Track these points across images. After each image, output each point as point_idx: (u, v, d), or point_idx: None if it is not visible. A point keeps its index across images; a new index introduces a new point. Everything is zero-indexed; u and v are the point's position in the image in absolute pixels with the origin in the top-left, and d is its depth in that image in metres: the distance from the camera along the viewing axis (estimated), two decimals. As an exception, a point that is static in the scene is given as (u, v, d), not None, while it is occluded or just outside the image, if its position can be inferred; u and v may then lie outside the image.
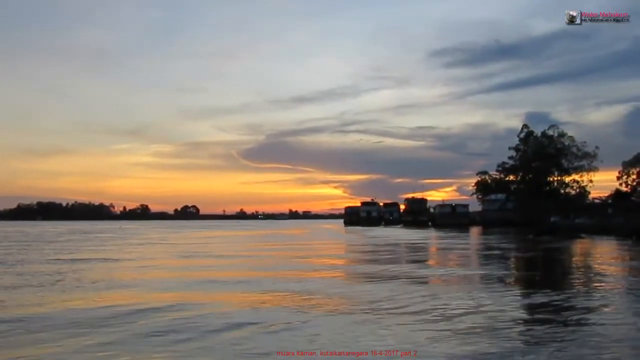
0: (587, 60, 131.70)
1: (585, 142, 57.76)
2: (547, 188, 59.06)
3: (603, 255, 24.87)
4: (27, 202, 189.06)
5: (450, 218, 72.91)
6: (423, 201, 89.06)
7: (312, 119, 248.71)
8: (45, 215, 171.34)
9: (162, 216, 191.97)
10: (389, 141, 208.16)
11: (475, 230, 59.21)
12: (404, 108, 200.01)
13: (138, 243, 36.26)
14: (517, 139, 62.97)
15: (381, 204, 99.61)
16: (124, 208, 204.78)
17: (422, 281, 14.71)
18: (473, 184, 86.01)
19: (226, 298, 11.55)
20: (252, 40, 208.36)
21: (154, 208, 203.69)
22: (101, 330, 8.19)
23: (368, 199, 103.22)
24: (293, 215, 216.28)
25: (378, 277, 15.34)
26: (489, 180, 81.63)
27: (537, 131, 62.00)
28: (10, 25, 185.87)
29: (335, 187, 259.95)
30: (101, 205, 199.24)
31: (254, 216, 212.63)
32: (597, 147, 56.71)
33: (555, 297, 11.55)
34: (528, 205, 58.04)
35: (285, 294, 11.93)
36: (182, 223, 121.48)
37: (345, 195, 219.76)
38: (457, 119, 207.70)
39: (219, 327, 8.40)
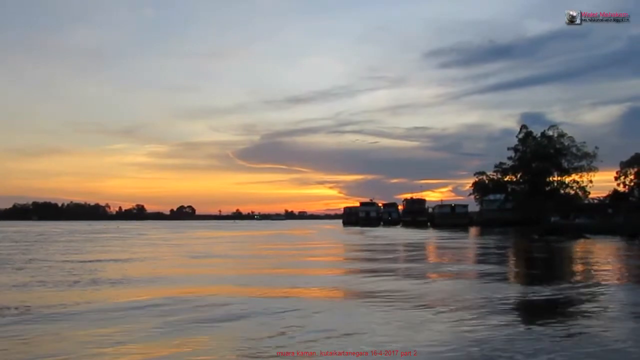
0: (582, 60, 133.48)
1: (584, 142, 58.08)
2: (548, 188, 59.35)
3: (624, 255, 24.89)
4: (22, 202, 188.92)
5: (449, 218, 73.15)
6: (422, 201, 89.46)
7: (308, 119, 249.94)
8: (41, 215, 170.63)
9: (158, 216, 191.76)
10: (385, 141, 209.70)
11: (476, 231, 59.31)
12: (399, 108, 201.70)
13: (143, 243, 36.17)
14: (516, 139, 63.31)
15: (380, 204, 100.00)
16: (120, 208, 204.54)
17: (468, 278, 15.31)
18: (470, 185, 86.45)
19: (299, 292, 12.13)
20: (247, 41, 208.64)
21: (149, 208, 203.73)
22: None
23: (364, 200, 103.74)
24: (289, 215, 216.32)
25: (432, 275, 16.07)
26: (487, 181, 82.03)
27: (535, 132, 62.43)
28: (2, 24, 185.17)
29: (331, 188, 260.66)
30: (97, 206, 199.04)
31: (250, 216, 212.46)
32: (596, 148, 57.07)
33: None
34: (527, 206, 58.36)
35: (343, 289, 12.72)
36: (179, 223, 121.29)
37: (341, 195, 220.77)
38: (453, 119, 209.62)
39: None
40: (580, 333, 7.88)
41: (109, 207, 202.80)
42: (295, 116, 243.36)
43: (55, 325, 8.46)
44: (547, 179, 59.77)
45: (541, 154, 58.92)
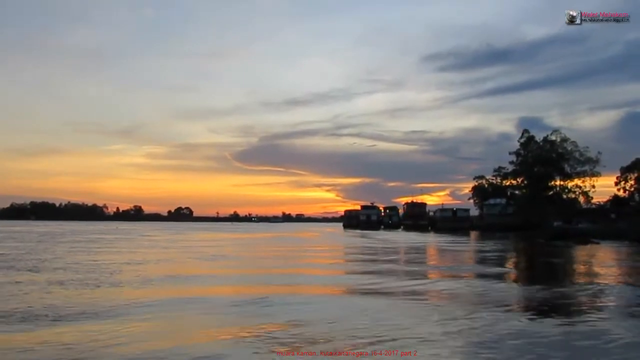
0: (580, 65, 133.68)
1: (587, 147, 58.23)
2: (550, 193, 59.48)
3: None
4: (20, 201, 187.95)
5: (451, 222, 73.32)
6: (423, 205, 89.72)
7: (305, 122, 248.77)
8: (38, 215, 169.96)
9: (155, 217, 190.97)
10: (382, 145, 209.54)
11: (478, 235, 59.31)
12: (397, 112, 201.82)
13: (148, 245, 36.07)
14: (517, 143, 63.48)
15: (380, 207, 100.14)
16: (117, 209, 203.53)
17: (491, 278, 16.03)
18: (469, 189, 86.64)
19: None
20: (246, 42, 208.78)
21: (147, 209, 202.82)
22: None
23: (362, 203, 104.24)
24: (286, 218, 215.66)
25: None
26: (486, 185, 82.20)
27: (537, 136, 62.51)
28: (2, 24, 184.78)
29: (328, 191, 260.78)
30: (94, 206, 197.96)
31: (247, 219, 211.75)
32: (599, 153, 57.28)
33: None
34: (529, 210, 58.49)
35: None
36: (178, 225, 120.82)
37: (338, 198, 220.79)
38: (450, 123, 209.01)
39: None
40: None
41: (106, 207, 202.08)
42: (293, 118, 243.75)
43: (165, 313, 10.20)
44: (549, 184, 59.90)
45: (543, 158, 59.01)
